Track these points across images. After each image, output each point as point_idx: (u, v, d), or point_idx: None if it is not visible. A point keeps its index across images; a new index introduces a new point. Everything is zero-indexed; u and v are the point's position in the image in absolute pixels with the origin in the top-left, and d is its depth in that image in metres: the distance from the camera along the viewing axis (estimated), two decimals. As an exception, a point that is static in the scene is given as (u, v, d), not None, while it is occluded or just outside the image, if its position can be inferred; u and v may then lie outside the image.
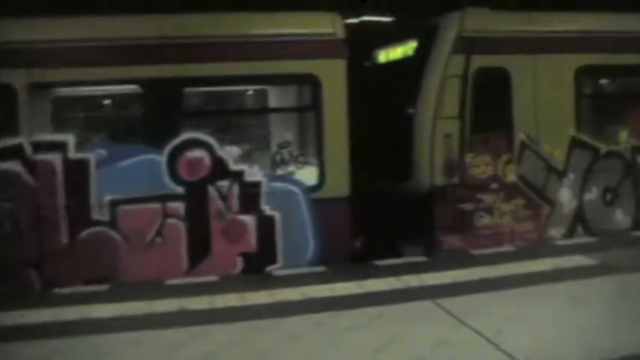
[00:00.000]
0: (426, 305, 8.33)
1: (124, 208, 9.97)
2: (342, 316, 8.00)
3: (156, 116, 10.14)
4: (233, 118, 11.46)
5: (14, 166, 9.79)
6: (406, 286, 9.20)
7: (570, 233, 12.15)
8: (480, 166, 11.48)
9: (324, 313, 8.09)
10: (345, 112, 10.70)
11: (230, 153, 10.30)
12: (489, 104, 11.49)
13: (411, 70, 11.76)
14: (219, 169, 10.17)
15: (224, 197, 10.16)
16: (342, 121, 10.67)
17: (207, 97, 11.62)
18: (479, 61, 11.31)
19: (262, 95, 11.95)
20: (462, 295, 8.70)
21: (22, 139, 9.80)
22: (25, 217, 9.85)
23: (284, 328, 7.72)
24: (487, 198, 11.57)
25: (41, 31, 9.98)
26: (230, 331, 7.68)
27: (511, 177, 11.69)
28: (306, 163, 10.67)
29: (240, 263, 10.29)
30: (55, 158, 9.87)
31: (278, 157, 10.55)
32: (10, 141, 9.80)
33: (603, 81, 13.60)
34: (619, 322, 7.57)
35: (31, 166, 9.81)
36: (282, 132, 11.20)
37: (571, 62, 12.01)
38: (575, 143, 12.14)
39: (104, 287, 9.63)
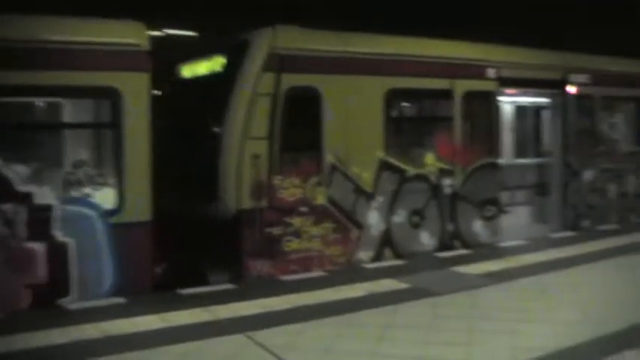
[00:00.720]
0: (238, 340, 7.72)
1: None
2: (147, 356, 7.23)
3: None
4: (21, 134, 10.25)
5: None
6: (215, 318, 8.57)
7: (378, 256, 12.02)
8: (289, 189, 11.08)
9: (127, 354, 7.28)
10: (148, 130, 9.93)
11: (16, 172, 9.16)
12: (300, 124, 11.19)
13: (218, 87, 11.19)
14: (4, 190, 9.00)
15: (9, 222, 9.00)
16: (145, 139, 9.89)
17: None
18: (290, 80, 10.92)
19: (55, 109, 10.88)
20: (275, 326, 8.19)
21: None
22: None
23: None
24: (296, 221, 11.16)
25: None
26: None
27: (320, 199, 11.38)
28: (104, 184, 9.71)
29: (27, 296, 9.13)
30: None
31: (72, 178, 9.51)
32: None
33: (412, 104, 13.71)
34: (439, 349, 7.36)
35: None
36: (77, 150, 10.21)
37: (380, 84, 11.93)
38: (383, 165, 12.07)
39: None
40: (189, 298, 9.46)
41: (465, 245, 13.16)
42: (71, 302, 9.26)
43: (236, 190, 10.61)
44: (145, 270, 9.91)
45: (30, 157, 9.90)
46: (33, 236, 9.11)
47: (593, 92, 15.52)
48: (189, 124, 12.06)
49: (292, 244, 11.11)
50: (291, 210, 11.10)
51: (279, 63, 10.83)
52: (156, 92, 10.64)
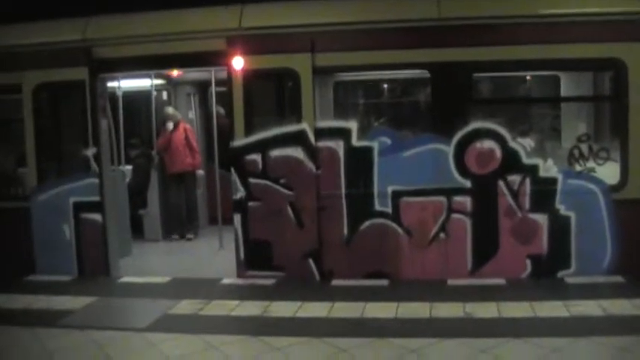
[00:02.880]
0: None
1: (407, 200, 9.50)
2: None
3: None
4: (527, 107, 10.55)
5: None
6: None
7: None
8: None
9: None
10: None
11: (523, 145, 9.35)
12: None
13: None
14: (513, 163, 9.27)
15: (516, 193, 9.25)
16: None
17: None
18: None
19: (554, 82, 10.93)
20: None
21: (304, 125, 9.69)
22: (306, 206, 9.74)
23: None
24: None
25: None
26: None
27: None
28: (607, 159, 9.38)
29: (529, 266, 9.35)
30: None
31: (577, 152, 9.39)
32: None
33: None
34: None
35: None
36: (579, 124, 10.13)
37: None
38: None
39: (384, 283, 9.30)
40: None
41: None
42: (570, 276, 9.24)
43: None
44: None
45: (535, 130, 10.06)
46: (537, 208, 9.26)
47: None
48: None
49: None
50: None
51: None
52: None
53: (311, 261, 9.74)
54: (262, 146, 9.76)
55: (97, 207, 10.46)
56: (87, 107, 10.38)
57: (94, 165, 10.40)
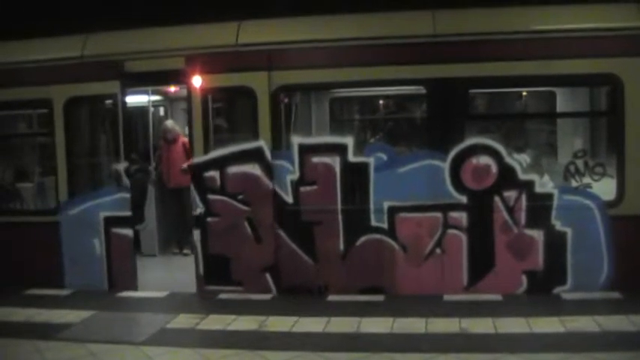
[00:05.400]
0: None
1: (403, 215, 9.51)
2: None
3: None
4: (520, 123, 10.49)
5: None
6: None
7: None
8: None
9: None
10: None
11: (519, 161, 9.36)
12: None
13: None
14: (508, 179, 9.30)
15: (511, 209, 9.27)
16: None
17: None
18: None
19: (551, 98, 10.98)
20: None
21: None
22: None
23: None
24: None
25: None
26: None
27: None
28: (603, 174, 9.43)
29: (524, 282, 9.36)
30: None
31: (572, 168, 9.45)
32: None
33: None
34: None
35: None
36: (575, 139, 10.17)
37: None
38: None
39: (380, 298, 9.34)
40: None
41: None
42: (566, 292, 9.26)
43: None
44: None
45: (531, 146, 10.06)
46: (533, 224, 9.28)
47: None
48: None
49: None
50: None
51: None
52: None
53: (268, 275, 9.86)
54: (220, 163, 9.90)
55: (128, 222, 10.54)
56: (119, 121, 10.46)
57: (125, 179, 10.47)
